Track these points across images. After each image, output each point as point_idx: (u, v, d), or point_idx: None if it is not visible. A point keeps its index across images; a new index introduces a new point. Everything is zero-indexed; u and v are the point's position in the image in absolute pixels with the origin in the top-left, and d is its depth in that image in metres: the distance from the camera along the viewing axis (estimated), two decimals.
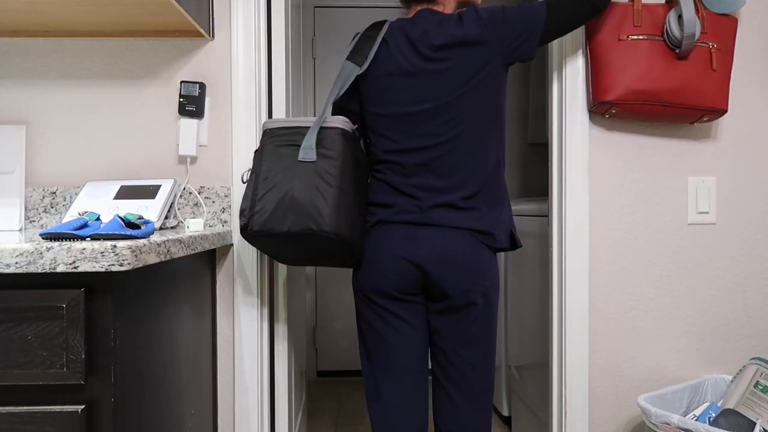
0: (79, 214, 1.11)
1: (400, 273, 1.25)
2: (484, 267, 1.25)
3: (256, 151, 1.26)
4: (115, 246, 0.80)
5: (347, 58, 1.28)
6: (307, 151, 1.19)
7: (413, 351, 1.30)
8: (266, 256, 1.49)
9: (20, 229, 1.39)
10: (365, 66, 1.26)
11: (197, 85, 1.45)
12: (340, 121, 1.22)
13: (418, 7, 1.31)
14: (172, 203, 1.46)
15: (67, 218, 1.28)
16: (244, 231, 1.19)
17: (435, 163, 1.25)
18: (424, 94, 1.25)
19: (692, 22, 1.33)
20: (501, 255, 2.50)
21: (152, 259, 0.88)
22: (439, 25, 1.25)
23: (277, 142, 1.23)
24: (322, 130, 1.21)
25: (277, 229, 1.16)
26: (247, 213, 1.18)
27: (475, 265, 1.24)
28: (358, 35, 1.32)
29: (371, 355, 1.32)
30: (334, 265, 1.31)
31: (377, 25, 1.31)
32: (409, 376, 1.31)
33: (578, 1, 1.26)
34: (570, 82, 1.48)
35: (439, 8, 1.31)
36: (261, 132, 1.31)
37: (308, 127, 1.22)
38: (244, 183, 1.38)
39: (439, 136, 1.24)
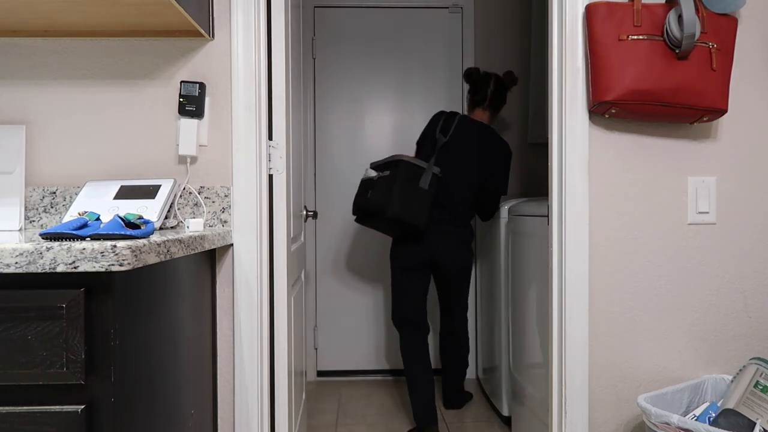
0: (79, 214, 1.11)
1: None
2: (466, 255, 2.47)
3: (391, 165, 2.29)
4: (115, 246, 0.80)
5: (440, 131, 2.43)
6: (426, 183, 2.25)
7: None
8: (265, 256, 1.52)
9: (20, 229, 1.39)
10: (449, 136, 2.41)
11: (197, 85, 1.45)
12: (438, 170, 2.30)
13: (476, 111, 2.56)
14: (172, 203, 1.46)
15: (67, 218, 1.28)
16: (381, 213, 2.20)
17: (452, 201, 2.40)
18: (462, 161, 2.40)
19: (692, 22, 1.33)
20: (501, 255, 2.51)
21: (152, 259, 0.88)
22: (481, 131, 2.45)
23: (411, 172, 2.25)
24: (432, 174, 2.28)
25: (401, 219, 2.19)
26: (382, 202, 2.19)
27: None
28: (444, 115, 2.47)
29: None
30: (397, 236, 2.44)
31: (453, 114, 2.47)
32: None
33: (493, 203, 2.52)
34: (570, 82, 1.48)
35: (483, 117, 2.56)
36: (393, 155, 2.32)
37: (425, 168, 2.27)
38: (373, 175, 2.34)
39: (460, 186, 2.41)
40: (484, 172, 2.42)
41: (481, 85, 2.52)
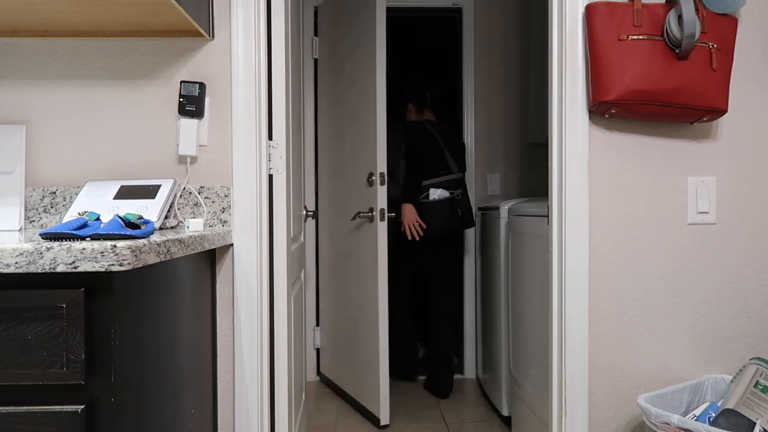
0: (79, 214, 1.11)
1: None
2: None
3: (458, 184, 2.95)
4: (115, 246, 0.80)
5: (440, 140, 2.92)
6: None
7: None
8: (265, 256, 1.52)
9: (20, 229, 1.39)
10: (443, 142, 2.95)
11: (197, 85, 1.45)
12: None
13: (425, 111, 3.07)
14: (172, 203, 1.46)
15: (67, 218, 1.28)
16: (468, 224, 3.01)
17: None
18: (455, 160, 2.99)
19: (692, 22, 1.33)
20: (501, 255, 2.51)
21: (152, 259, 0.88)
22: (436, 127, 2.97)
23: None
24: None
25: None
26: (470, 216, 3.00)
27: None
28: (419, 126, 2.93)
29: None
30: None
31: (427, 123, 2.94)
32: None
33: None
34: (570, 82, 1.48)
35: (431, 117, 3.07)
36: (453, 174, 2.96)
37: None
38: (447, 195, 2.93)
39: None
40: (462, 163, 3.05)
41: (422, 91, 3.04)
